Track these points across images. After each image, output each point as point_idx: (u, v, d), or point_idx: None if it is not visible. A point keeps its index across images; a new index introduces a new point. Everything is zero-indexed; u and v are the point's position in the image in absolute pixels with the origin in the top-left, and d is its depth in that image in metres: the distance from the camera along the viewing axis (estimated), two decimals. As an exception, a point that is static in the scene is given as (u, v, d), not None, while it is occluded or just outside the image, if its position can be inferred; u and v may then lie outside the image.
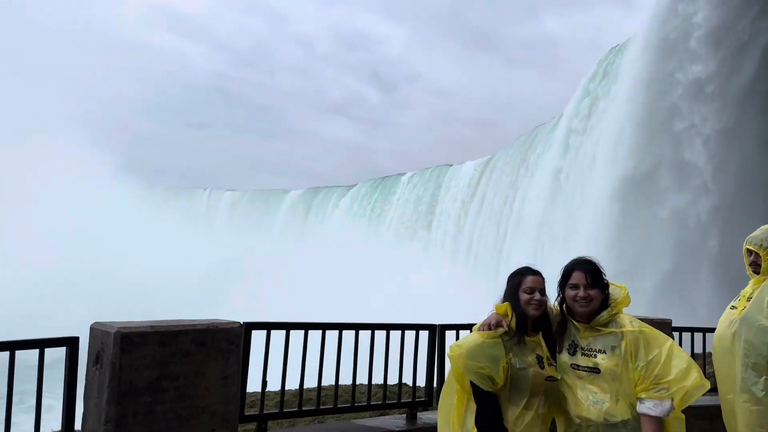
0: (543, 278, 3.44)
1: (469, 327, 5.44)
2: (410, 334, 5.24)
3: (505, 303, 3.41)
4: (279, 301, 31.84)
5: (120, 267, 37.18)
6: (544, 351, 3.39)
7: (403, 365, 5.19)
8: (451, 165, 52.46)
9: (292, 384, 5.06)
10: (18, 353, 3.56)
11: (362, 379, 5.09)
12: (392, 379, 5.21)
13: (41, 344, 3.65)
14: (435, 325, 5.32)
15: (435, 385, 5.27)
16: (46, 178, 41.80)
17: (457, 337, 5.42)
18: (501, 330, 3.28)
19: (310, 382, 5.00)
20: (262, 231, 53.42)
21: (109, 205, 42.48)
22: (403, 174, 56.57)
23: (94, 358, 3.89)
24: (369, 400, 5.00)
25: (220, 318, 4.37)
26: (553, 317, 3.52)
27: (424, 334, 5.32)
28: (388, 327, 5.08)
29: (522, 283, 3.39)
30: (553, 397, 3.36)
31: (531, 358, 3.32)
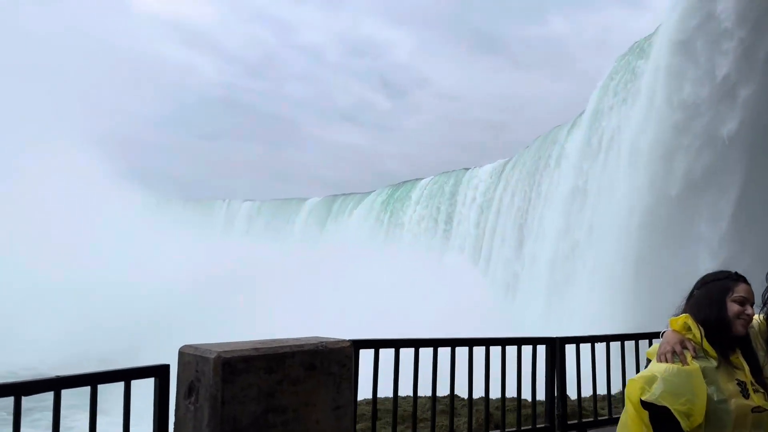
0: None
1: (589, 340, 4.75)
2: (527, 350, 4.54)
3: (683, 315, 2.67)
4: (301, 311, 31.19)
5: (140, 278, 36.75)
6: (746, 375, 2.64)
7: (521, 385, 4.48)
8: (468, 168, 51.78)
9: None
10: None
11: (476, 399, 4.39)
12: (508, 399, 4.51)
13: (126, 375, 2.99)
14: (554, 339, 4.61)
15: (556, 407, 4.55)
16: (61, 191, 41.62)
17: (578, 351, 4.70)
18: (689, 357, 2.56)
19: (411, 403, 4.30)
20: (282, 240, 52.85)
21: (126, 218, 42.16)
22: (419, 179, 55.90)
23: (187, 390, 3.21)
24: (487, 428, 4.29)
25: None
26: (757, 333, 2.79)
27: (541, 349, 4.62)
28: (503, 342, 4.38)
29: (732, 290, 2.64)
30: (762, 431, 2.62)
31: (732, 386, 2.57)
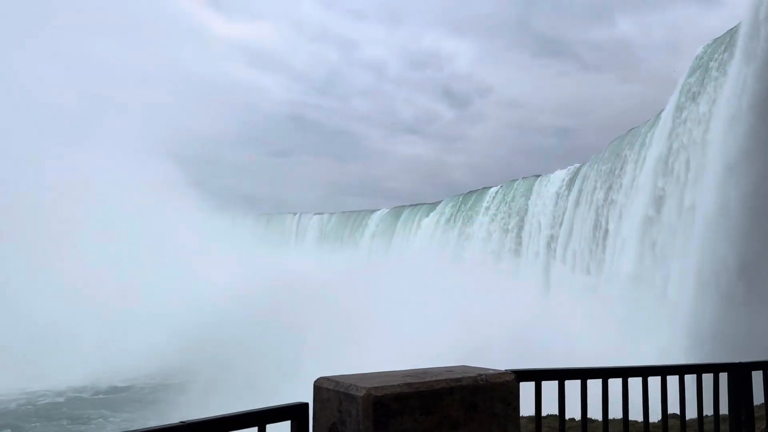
0: None
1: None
2: (707, 378, 3.75)
3: None
4: (373, 323, 30.67)
5: (215, 291, 37.46)
6: None
7: (702, 421, 3.69)
8: (539, 175, 50.21)
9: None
10: None
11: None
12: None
13: (260, 419, 2.45)
14: (738, 365, 3.80)
15: (745, 449, 3.72)
16: (139, 209, 43.22)
17: (766, 379, 3.88)
18: None
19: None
20: (351, 251, 52.84)
21: (201, 233, 43.23)
22: (488, 188, 54.67)
23: (327, 434, 2.65)
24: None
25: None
26: None
27: (723, 377, 3.81)
28: (681, 370, 3.61)
29: None
30: None
31: None
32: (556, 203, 43.66)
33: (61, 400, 29.20)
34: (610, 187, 35.89)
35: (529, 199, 47.52)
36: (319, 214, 64.31)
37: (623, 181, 34.23)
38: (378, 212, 58.16)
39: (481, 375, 2.83)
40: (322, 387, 2.69)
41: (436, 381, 2.70)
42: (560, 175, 45.89)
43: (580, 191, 40.50)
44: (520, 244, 45.57)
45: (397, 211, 55.44)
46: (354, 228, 58.02)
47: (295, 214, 66.81)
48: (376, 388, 2.53)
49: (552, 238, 41.90)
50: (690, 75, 28.76)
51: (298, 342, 28.34)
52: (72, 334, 35.07)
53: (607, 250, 32.92)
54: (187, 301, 37.31)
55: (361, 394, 2.50)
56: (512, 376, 2.90)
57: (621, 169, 35.29)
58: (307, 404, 2.59)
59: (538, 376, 3.20)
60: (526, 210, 46.94)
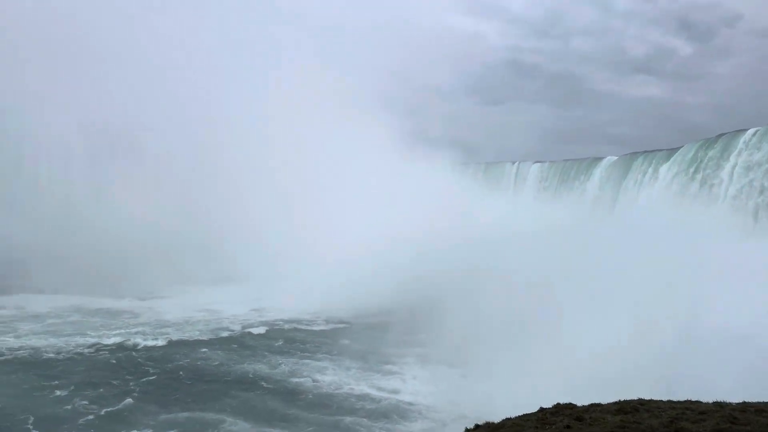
0: None
1: None
2: None
3: None
4: (588, 284, 28.01)
5: (435, 237, 37.90)
6: None
7: None
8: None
9: None
10: None
11: None
12: None
13: None
14: None
15: None
16: (368, 155, 45.28)
17: None
18: None
19: None
20: (573, 203, 49.66)
21: (424, 183, 43.82)
22: (742, 131, 46.61)
23: None
24: None
25: None
26: None
27: None
28: None
29: None
30: None
31: None
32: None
33: (282, 325, 32.51)
34: None
35: (798, 146, 39.43)
36: (540, 162, 61.26)
37: None
38: (605, 160, 53.24)
39: None
40: None
41: None
42: None
43: None
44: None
45: (627, 159, 50.08)
46: (577, 177, 54.06)
47: (513, 162, 64.75)
48: None
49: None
50: None
51: (507, 293, 27.39)
52: (290, 267, 38.38)
53: None
54: (405, 245, 38.25)
55: None
56: None
57: None
58: None
59: None
60: (794, 160, 39.07)
